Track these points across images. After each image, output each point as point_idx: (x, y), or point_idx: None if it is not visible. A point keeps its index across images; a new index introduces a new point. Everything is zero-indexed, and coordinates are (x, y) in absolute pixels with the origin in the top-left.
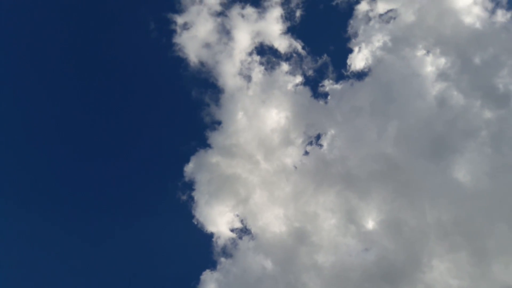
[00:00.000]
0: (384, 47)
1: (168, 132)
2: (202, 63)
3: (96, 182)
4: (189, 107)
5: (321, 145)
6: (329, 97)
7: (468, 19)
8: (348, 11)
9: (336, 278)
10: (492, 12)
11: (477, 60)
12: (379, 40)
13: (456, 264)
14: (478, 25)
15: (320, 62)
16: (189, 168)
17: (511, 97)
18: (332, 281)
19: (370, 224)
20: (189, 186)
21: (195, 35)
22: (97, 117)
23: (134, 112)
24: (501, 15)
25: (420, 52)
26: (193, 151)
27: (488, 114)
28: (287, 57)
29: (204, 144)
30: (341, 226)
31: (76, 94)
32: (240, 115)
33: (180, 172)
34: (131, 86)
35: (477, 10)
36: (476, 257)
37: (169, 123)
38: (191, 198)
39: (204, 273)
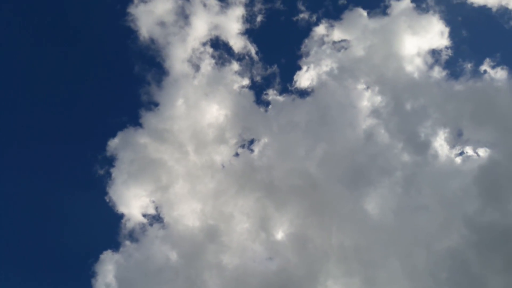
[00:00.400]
0: (330, 73)
1: (100, 101)
2: (152, 40)
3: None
4: (128, 81)
5: (252, 150)
6: (270, 106)
7: (409, 68)
8: (306, 31)
9: (236, 281)
10: (431, 67)
11: (408, 106)
12: (327, 65)
13: None
14: (416, 75)
15: (269, 71)
16: (113, 143)
17: (429, 146)
18: (231, 284)
19: (279, 234)
20: (109, 161)
21: (151, 10)
22: (31, 71)
23: (68, 73)
24: (437, 72)
25: (361, 86)
26: (121, 127)
27: (406, 157)
28: (239, 58)
29: (135, 122)
30: (252, 231)
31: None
32: (180, 102)
33: (103, 145)
34: (72, 46)
35: (418, 61)
36: (366, 285)
37: (103, 92)
38: (109, 174)
39: (105, 252)
